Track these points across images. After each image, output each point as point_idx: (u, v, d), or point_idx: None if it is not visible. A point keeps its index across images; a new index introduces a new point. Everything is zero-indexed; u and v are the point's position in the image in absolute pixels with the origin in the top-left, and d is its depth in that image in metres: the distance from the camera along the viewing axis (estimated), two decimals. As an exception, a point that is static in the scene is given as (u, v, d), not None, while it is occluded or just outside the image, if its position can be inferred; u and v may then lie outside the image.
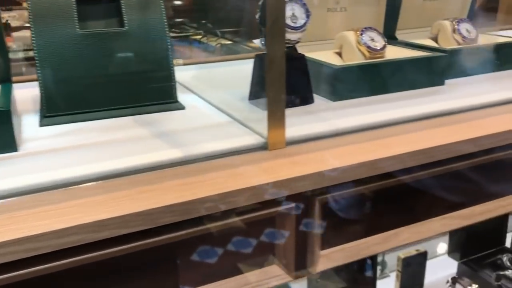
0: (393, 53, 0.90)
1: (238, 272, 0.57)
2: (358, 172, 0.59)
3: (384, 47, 0.87)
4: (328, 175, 0.56)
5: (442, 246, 1.43)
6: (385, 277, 1.55)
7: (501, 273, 1.29)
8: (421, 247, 1.44)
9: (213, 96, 0.82)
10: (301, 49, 0.92)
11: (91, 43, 0.71)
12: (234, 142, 0.62)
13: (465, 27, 0.99)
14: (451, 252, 1.54)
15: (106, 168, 0.54)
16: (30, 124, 0.70)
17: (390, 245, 0.65)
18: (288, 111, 0.75)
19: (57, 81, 0.69)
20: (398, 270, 1.42)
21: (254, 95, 0.79)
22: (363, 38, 0.86)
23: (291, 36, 0.74)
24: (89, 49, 0.71)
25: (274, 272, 0.59)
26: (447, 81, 0.88)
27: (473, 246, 1.49)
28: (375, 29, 0.89)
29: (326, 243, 0.62)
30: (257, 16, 0.77)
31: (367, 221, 0.65)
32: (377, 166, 0.60)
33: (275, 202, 0.56)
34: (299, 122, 0.70)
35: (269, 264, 0.59)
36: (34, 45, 0.69)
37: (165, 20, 0.76)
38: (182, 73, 1.00)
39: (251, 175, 0.54)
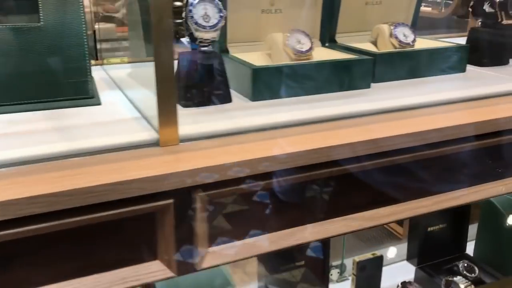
0: (324, 55, 0.91)
1: (115, 267, 0.57)
2: (246, 169, 0.60)
3: (310, 49, 0.87)
4: (207, 172, 0.57)
5: (392, 251, 1.43)
6: (344, 280, 1.54)
7: (450, 278, 1.29)
8: (378, 252, 1.44)
9: (135, 93, 0.83)
10: (234, 49, 0.93)
11: (4, 37, 0.72)
12: (127, 137, 0.63)
13: (402, 31, 0.99)
14: (409, 257, 1.54)
15: (-17, 160, 0.55)
16: None
17: (283, 244, 0.65)
18: (201, 109, 0.77)
19: (-34, 74, 0.70)
20: (354, 274, 1.42)
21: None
22: (289, 40, 0.87)
23: (203, 35, 0.74)
24: (1, 43, 0.72)
25: (155, 268, 0.59)
26: (374, 85, 0.88)
27: (432, 253, 1.49)
28: (303, 32, 0.89)
29: (214, 240, 0.62)
30: (183, 15, 0.78)
31: (260, 218, 0.65)
32: (265, 164, 0.61)
33: (153, 197, 0.56)
34: (206, 119, 0.71)
35: (150, 260, 0.59)
36: None
37: (83, 17, 0.76)
38: (121, 71, 1.01)
39: (127, 170, 0.55)
